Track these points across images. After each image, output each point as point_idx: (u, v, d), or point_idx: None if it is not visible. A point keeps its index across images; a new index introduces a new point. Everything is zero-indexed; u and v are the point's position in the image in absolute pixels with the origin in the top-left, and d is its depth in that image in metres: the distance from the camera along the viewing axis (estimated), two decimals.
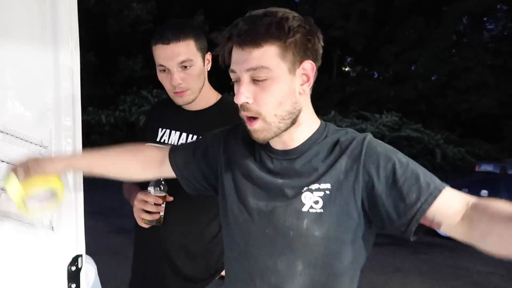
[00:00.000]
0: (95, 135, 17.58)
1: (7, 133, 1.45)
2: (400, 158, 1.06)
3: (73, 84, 1.45)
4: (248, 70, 1.06)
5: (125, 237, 1.61)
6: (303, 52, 1.07)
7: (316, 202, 1.08)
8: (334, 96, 25.11)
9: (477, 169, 9.67)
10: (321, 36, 1.11)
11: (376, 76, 29.18)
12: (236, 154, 1.27)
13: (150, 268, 1.78)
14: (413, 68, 26.70)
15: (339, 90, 26.18)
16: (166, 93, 1.77)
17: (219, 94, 1.81)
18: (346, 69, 30.17)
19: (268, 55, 1.04)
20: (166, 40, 1.61)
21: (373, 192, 1.05)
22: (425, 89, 24.69)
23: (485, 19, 27.41)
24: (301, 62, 1.09)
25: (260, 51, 1.04)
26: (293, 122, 1.12)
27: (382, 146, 1.09)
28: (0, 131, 1.43)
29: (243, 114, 1.11)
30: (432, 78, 25.96)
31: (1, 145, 1.45)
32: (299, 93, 1.11)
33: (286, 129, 1.12)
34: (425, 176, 1.04)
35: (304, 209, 1.09)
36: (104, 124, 17.90)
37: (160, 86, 1.72)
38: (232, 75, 1.11)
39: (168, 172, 1.38)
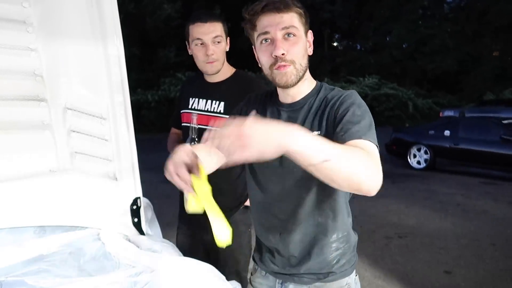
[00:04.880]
0: (144, 110, 17.62)
1: (75, 110, 1.47)
2: (356, 111, 1.05)
3: (120, 69, 1.45)
4: (282, 28, 1.06)
5: (174, 185, 1.67)
6: (307, 23, 1.12)
7: None
8: (327, 66, 24.69)
9: (441, 115, 9.52)
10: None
11: (358, 47, 28.45)
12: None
13: None
14: (388, 39, 25.98)
15: (330, 61, 25.68)
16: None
17: (232, 68, 1.80)
18: (335, 44, 29.41)
19: (295, 19, 1.08)
20: (204, 19, 1.64)
21: (334, 125, 1.06)
22: (398, 55, 24.15)
23: None
24: (307, 31, 1.13)
25: (289, 15, 1.07)
26: (304, 74, 1.14)
27: (351, 100, 1.09)
28: (69, 109, 1.46)
29: (278, 65, 1.08)
30: (404, 46, 25.25)
31: (71, 119, 1.48)
32: (308, 52, 1.14)
33: (301, 78, 1.12)
34: (362, 127, 1.01)
35: None
36: (150, 101, 17.88)
37: (191, 69, 1.73)
38: (263, 36, 1.08)
39: None
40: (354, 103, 1.08)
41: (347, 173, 0.84)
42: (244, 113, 1.29)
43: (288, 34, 1.07)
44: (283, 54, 1.06)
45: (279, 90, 1.20)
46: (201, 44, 1.65)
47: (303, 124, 1.13)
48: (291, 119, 1.16)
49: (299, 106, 1.17)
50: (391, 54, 24.07)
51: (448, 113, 9.12)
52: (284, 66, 1.08)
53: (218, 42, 1.66)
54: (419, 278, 3.34)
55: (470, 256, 3.78)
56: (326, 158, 0.80)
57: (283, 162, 1.15)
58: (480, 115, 8.43)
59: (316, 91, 1.18)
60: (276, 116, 1.20)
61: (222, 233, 0.92)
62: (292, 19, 1.07)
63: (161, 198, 4.07)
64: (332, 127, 1.06)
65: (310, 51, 1.15)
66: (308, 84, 1.18)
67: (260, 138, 0.75)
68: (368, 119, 1.06)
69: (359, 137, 0.98)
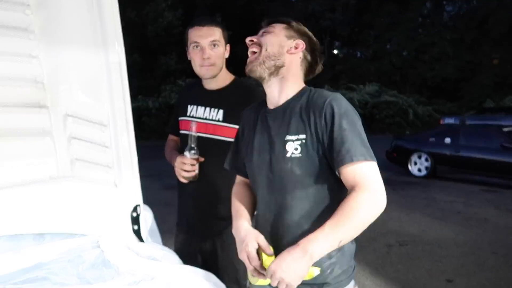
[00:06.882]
0: (145, 117, 17.62)
1: (76, 117, 1.47)
2: (343, 123, 1.07)
3: (121, 76, 1.45)
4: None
5: (174, 192, 1.67)
6: (299, 35, 1.22)
7: (296, 149, 1.12)
8: (327, 74, 24.75)
9: (441, 122, 9.46)
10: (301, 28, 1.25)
11: (359, 55, 28.56)
12: (249, 126, 1.31)
13: (192, 212, 1.80)
14: (388, 46, 26.10)
15: (331, 68, 25.77)
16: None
17: (232, 75, 1.79)
18: (335, 51, 29.53)
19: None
20: (202, 23, 1.64)
21: (322, 138, 1.10)
22: (398, 63, 24.25)
23: (444, 2, 26.55)
24: (295, 39, 1.21)
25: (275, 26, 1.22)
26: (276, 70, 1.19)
27: (338, 108, 1.10)
28: (69, 115, 1.46)
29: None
30: (404, 53, 25.35)
31: (71, 126, 1.48)
32: (287, 50, 1.19)
33: (271, 73, 1.19)
34: (351, 144, 1.05)
35: (288, 155, 1.13)
36: (151, 108, 17.90)
37: (192, 76, 1.73)
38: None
39: None
40: (339, 113, 1.09)
41: (362, 227, 1.03)
42: (241, 134, 1.35)
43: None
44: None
45: (267, 95, 1.25)
46: (198, 47, 1.65)
47: (288, 127, 1.15)
48: (276, 124, 1.19)
49: (282, 110, 1.19)
50: (391, 61, 24.17)
51: (449, 120, 9.08)
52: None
53: (215, 46, 1.65)
54: (421, 286, 3.32)
55: (471, 264, 3.76)
56: (340, 241, 1.01)
57: (273, 169, 1.17)
58: (480, 122, 8.42)
59: (300, 94, 1.20)
60: (265, 122, 1.23)
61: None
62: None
63: (161, 205, 4.05)
64: (321, 138, 1.10)
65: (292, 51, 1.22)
66: (293, 88, 1.21)
67: (295, 277, 0.98)
68: (355, 128, 1.08)
69: (351, 160, 1.04)
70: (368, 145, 1.09)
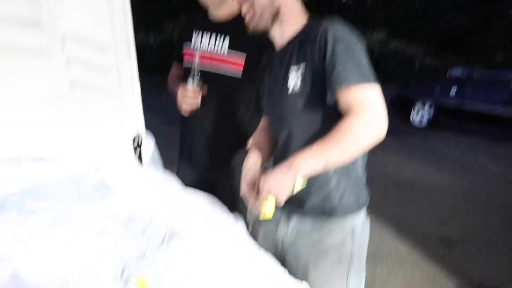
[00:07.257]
0: (147, 53, 17.21)
1: (75, 37, 1.41)
2: (336, 48, 1.02)
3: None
4: None
5: (175, 127, 1.68)
6: None
7: (296, 84, 1.11)
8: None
9: (449, 74, 9.26)
10: None
11: (369, 3, 27.38)
12: (266, 69, 1.31)
13: (195, 144, 1.78)
14: None
15: (340, 15, 24.88)
16: None
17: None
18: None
19: None
20: None
21: (319, 68, 1.07)
22: (409, 11, 23.35)
23: None
24: None
25: None
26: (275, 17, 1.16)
27: (332, 34, 1.04)
28: (68, 36, 1.39)
29: None
30: (416, 2, 24.31)
31: (70, 48, 1.42)
32: None
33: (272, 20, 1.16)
34: (344, 68, 1.01)
35: (289, 91, 1.13)
36: (152, 44, 17.48)
37: (196, 11, 1.64)
38: None
39: None
40: (333, 38, 1.03)
41: (354, 150, 1.01)
42: (261, 77, 1.34)
43: None
44: None
45: (274, 40, 1.24)
46: None
47: (288, 63, 1.14)
48: (279, 63, 1.19)
49: (285, 50, 1.18)
50: (402, 10, 23.23)
51: (456, 72, 8.86)
52: None
53: None
54: (413, 227, 3.42)
55: (464, 210, 3.86)
56: (326, 161, 1.00)
57: (279, 106, 1.18)
58: (488, 77, 8.22)
59: (301, 31, 1.16)
60: (273, 64, 1.24)
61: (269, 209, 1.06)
62: None
63: (162, 140, 4.05)
64: (318, 68, 1.06)
65: None
66: (294, 25, 1.17)
67: (281, 188, 1.00)
68: (350, 52, 1.03)
69: (340, 85, 1.01)
70: (367, 68, 1.03)
